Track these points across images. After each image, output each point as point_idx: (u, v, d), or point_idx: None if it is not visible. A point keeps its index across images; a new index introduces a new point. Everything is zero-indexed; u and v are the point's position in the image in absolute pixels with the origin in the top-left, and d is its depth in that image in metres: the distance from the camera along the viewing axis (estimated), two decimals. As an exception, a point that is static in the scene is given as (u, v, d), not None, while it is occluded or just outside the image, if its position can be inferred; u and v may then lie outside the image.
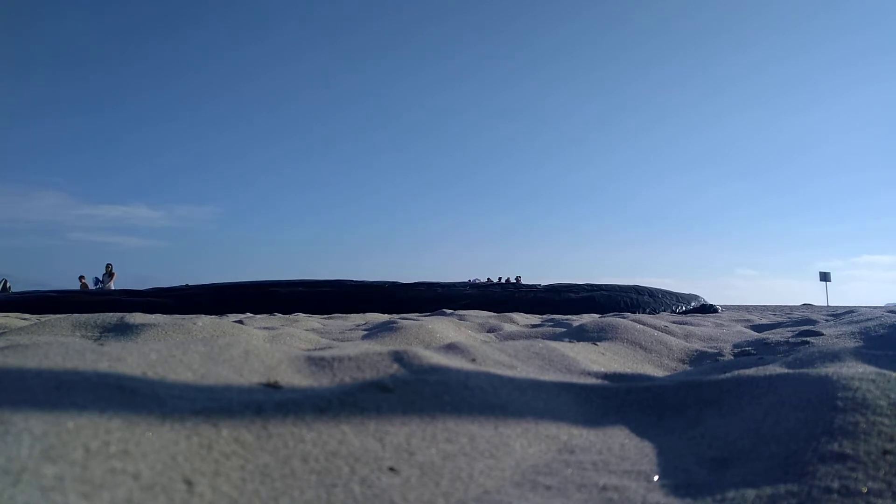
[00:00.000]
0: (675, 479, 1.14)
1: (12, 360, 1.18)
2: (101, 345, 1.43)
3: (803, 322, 5.22)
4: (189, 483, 0.88)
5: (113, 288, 18.31)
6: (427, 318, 5.78)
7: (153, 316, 3.44)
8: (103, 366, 1.23)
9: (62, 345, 1.36)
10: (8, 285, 18.36)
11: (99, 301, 14.14)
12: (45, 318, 5.98)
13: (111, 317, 3.01)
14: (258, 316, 8.78)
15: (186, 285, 15.85)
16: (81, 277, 19.54)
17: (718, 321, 6.38)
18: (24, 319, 5.83)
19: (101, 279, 19.07)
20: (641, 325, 3.41)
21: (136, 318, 2.99)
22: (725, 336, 3.86)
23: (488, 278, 20.08)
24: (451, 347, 2.19)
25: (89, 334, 2.86)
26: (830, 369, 1.44)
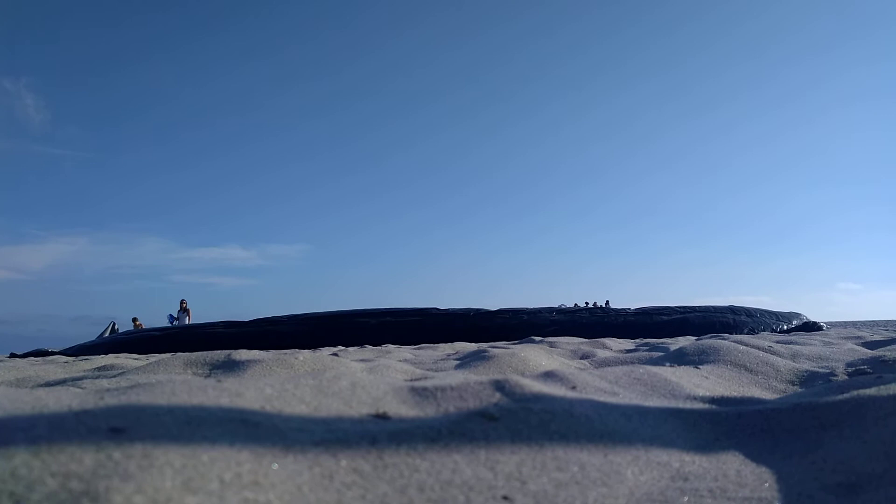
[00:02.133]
0: (800, 507, 1.09)
1: (144, 398, 1.27)
2: (220, 381, 1.51)
3: (922, 337, 4.87)
4: (316, 512, 0.92)
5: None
6: (517, 345, 5.75)
7: (255, 352, 3.58)
8: (225, 401, 1.30)
9: (185, 382, 1.44)
10: (116, 327, 19.18)
11: (195, 335, 14.71)
12: (153, 357, 6.32)
13: (218, 354, 3.16)
14: (350, 349, 8.97)
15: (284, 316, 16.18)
16: (135, 319, 19.36)
17: (826, 339, 6.05)
18: (136, 359, 6.18)
19: (176, 316, 19.00)
20: (744, 346, 3.28)
21: (242, 354, 3.13)
22: (836, 355, 3.66)
23: (575, 304, 19.75)
24: (549, 375, 2.18)
25: (200, 371, 3.01)
26: (964, 387, 1.35)
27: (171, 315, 19.19)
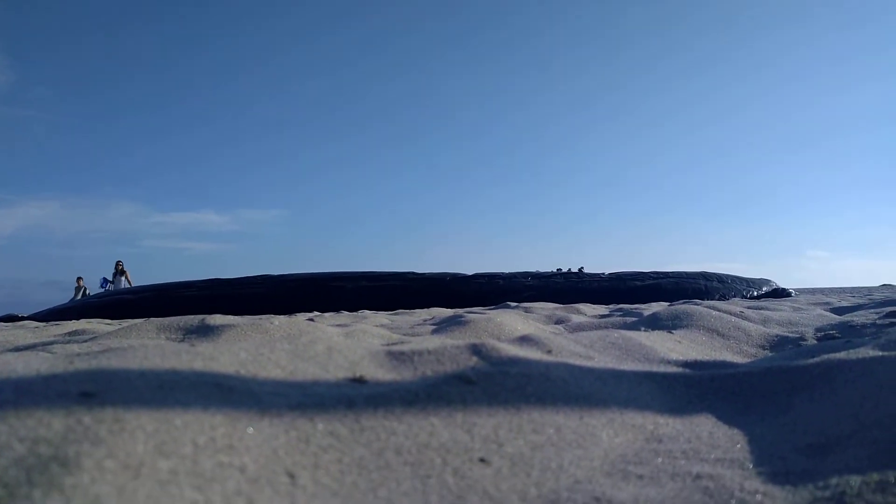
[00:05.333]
0: (771, 467, 1.11)
1: (115, 362, 1.24)
2: (193, 345, 1.48)
3: (888, 303, 4.99)
4: (292, 476, 0.91)
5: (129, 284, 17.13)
6: (493, 311, 5.79)
7: (230, 317, 3.55)
8: (199, 365, 1.28)
9: (158, 346, 1.42)
10: (88, 291, 18.52)
11: (169, 298, 14.50)
12: (126, 322, 6.25)
13: (192, 319, 3.13)
14: (326, 314, 8.96)
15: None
16: (79, 279, 18.07)
17: (795, 305, 6.16)
18: (108, 324, 6.10)
19: (111, 280, 17.58)
20: (717, 312, 3.32)
21: (216, 319, 3.09)
22: (805, 320, 3.73)
23: (558, 269, 19.83)
24: (525, 339, 2.19)
25: (173, 336, 2.98)
26: (931, 351, 1.38)
27: (104, 279, 17.69)
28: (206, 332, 2.87)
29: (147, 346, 1.45)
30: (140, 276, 18.50)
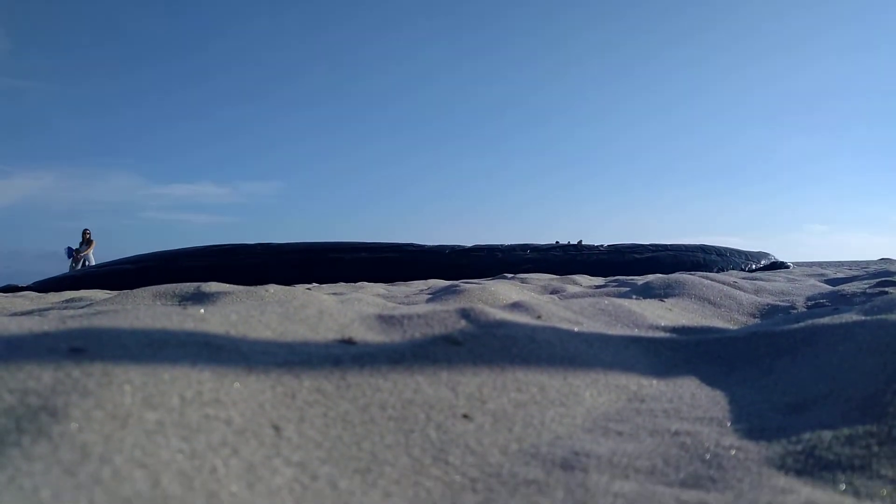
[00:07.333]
0: (748, 424, 1.14)
1: (107, 322, 1.27)
2: (185, 308, 1.50)
3: (881, 274, 5.02)
4: (277, 428, 0.93)
5: (92, 258, 16.51)
6: (489, 281, 5.81)
7: (225, 285, 3.57)
8: (189, 325, 1.30)
9: (150, 308, 1.44)
10: (87, 262, 18.17)
11: (170, 269, 14.40)
12: (124, 292, 6.28)
13: (188, 286, 3.15)
14: (324, 285, 8.99)
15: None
16: (76, 251, 16.84)
17: (790, 276, 6.19)
18: (106, 293, 6.13)
19: (76, 248, 16.68)
20: (709, 281, 3.35)
21: (211, 286, 3.12)
22: (798, 290, 3.75)
23: (556, 242, 19.79)
24: (516, 305, 2.21)
25: (169, 303, 3.01)
26: (911, 314, 1.40)
27: (69, 248, 16.80)
28: (200, 298, 2.90)
29: (139, 307, 1.47)
30: (139, 247, 18.33)
